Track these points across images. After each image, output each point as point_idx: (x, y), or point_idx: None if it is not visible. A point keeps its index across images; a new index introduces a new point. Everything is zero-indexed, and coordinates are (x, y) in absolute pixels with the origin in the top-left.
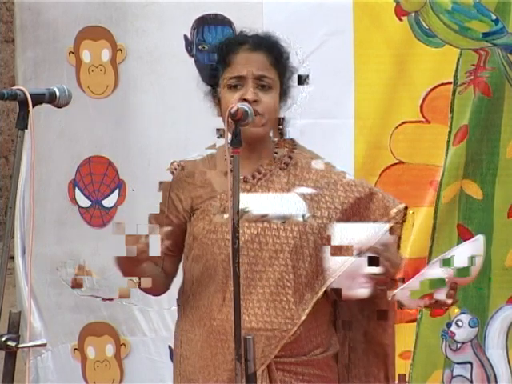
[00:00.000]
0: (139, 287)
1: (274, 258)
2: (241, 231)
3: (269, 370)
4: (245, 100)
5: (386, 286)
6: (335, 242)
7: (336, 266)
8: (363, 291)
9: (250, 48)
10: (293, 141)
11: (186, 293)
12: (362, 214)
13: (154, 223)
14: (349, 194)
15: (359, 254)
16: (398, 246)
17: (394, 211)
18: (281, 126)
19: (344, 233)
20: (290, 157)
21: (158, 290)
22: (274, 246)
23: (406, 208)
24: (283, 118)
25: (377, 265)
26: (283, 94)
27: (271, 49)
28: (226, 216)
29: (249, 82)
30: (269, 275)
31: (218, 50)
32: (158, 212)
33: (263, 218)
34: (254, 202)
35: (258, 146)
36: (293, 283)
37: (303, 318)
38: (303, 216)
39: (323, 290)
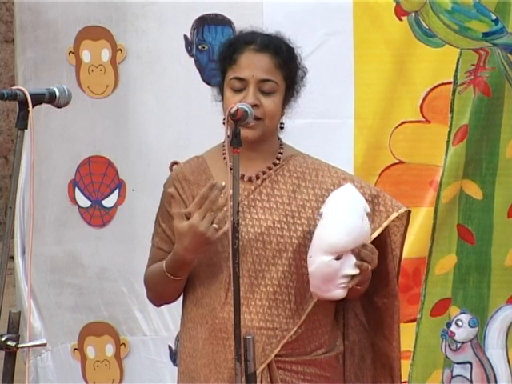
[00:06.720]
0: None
1: (278, 257)
2: (245, 229)
3: (270, 369)
4: None
5: (363, 285)
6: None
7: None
8: (339, 292)
9: (255, 49)
10: (279, 139)
11: (189, 290)
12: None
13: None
14: None
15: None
16: (401, 249)
17: (394, 215)
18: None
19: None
20: (292, 157)
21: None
22: (278, 246)
23: (408, 212)
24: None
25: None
26: (290, 95)
27: (278, 51)
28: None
29: (250, 86)
30: (272, 274)
31: (225, 46)
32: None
33: (267, 218)
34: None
35: (263, 147)
36: (295, 283)
37: (303, 317)
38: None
39: None
